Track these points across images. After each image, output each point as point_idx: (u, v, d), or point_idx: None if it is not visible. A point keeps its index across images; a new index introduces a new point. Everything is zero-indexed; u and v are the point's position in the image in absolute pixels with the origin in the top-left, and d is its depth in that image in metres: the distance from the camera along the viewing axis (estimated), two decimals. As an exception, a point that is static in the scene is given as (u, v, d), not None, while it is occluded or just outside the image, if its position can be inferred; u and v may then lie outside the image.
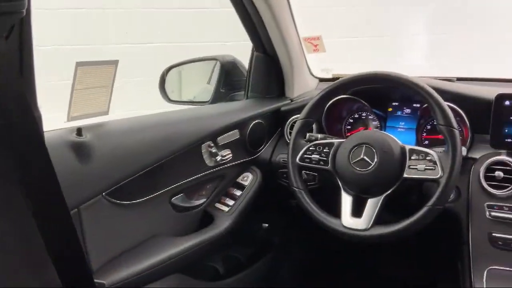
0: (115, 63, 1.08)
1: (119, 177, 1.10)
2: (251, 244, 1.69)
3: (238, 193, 1.45)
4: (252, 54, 1.61)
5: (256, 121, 1.49)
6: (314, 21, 3.33)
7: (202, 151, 1.33)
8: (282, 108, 1.57)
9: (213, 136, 1.35)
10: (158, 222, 1.25)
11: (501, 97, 1.18)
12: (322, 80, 1.79)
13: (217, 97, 1.68)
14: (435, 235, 1.44)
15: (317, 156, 1.23)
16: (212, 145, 1.35)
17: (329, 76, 1.78)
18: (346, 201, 1.16)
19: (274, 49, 1.55)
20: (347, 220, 1.14)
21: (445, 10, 3.70)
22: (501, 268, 1.11)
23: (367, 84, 1.22)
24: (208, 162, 1.35)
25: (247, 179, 1.48)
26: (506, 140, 1.19)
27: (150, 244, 1.19)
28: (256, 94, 1.64)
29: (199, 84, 1.88)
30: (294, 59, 1.58)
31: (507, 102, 1.18)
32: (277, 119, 1.57)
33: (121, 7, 3.29)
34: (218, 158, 1.36)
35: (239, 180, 1.48)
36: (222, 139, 1.38)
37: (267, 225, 1.68)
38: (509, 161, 1.16)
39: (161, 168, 1.20)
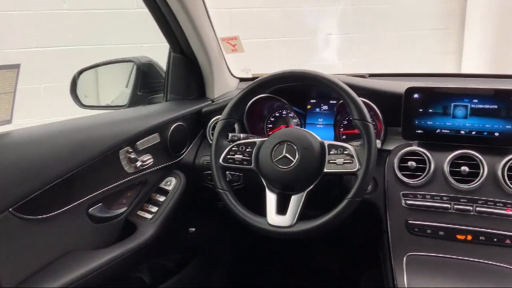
0: (16, 67, 1.00)
1: (27, 190, 1.02)
2: (178, 249, 1.65)
3: (161, 199, 1.40)
4: (169, 55, 1.57)
5: (177, 123, 1.45)
6: (234, 22, 3.36)
7: (120, 157, 1.26)
8: (203, 109, 1.55)
9: (131, 141, 1.29)
10: (75, 236, 1.17)
11: (410, 91, 1.25)
12: (242, 80, 1.79)
13: (135, 101, 1.61)
14: (357, 226, 1.49)
15: (240, 156, 1.22)
16: (131, 150, 1.29)
17: (249, 75, 1.79)
18: (271, 199, 1.17)
19: (192, 50, 1.52)
20: (272, 218, 1.14)
21: (358, 9, 3.87)
22: (419, 253, 1.17)
23: (285, 82, 1.24)
24: (128, 168, 1.28)
25: (171, 183, 1.44)
26: (417, 131, 1.26)
27: (67, 260, 1.11)
28: (175, 96, 1.60)
29: (117, 87, 1.80)
30: (213, 60, 1.56)
31: (416, 95, 1.24)
32: (198, 121, 1.54)
33: (28, 8, 3.07)
34: (138, 163, 1.30)
35: (162, 185, 1.44)
36: (141, 144, 1.33)
37: (194, 229, 1.64)
38: (421, 151, 1.23)
39: (75, 177, 1.12)
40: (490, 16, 3.84)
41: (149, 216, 1.35)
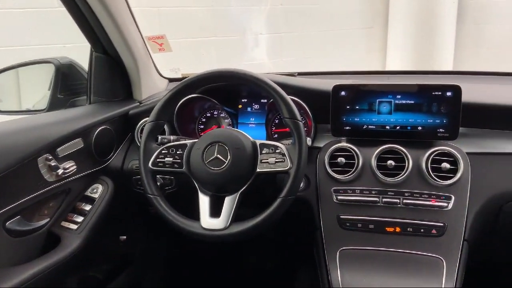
0: None
1: None
2: (109, 260, 1.57)
3: (87, 207, 1.32)
4: (91, 54, 1.48)
5: (102, 127, 1.38)
6: (163, 21, 3.28)
7: (39, 165, 1.17)
8: (131, 112, 1.48)
9: (51, 148, 1.21)
10: None
11: (337, 88, 1.27)
12: (172, 80, 1.74)
13: (55, 104, 1.51)
14: (292, 223, 1.50)
15: (171, 159, 1.18)
16: (51, 157, 1.20)
17: (179, 76, 1.74)
18: (204, 202, 1.14)
19: (115, 49, 1.44)
20: (206, 221, 1.11)
21: (288, 9, 3.93)
22: (351, 247, 1.19)
23: (214, 82, 1.21)
24: (48, 177, 1.19)
25: (97, 191, 1.37)
26: (345, 128, 1.28)
27: None
28: (100, 98, 1.51)
29: (40, 90, 1.67)
30: (139, 60, 1.49)
31: (343, 93, 1.27)
32: (126, 124, 1.47)
33: None
34: (60, 171, 1.21)
35: (88, 193, 1.36)
36: (62, 150, 1.24)
37: (125, 237, 1.57)
38: (349, 147, 1.26)
39: None
40: (411, 16, 4.05)
41: (74, 226, 1.27)
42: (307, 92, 1.35)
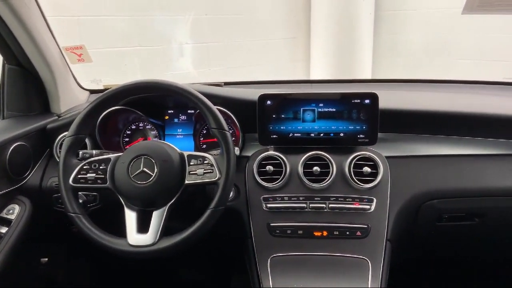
0: None
1: None
2: (29, 284, 1.46)
3: (3, 230, 1.23)
4: (3, 67, 1.38)
5: (17, 143, 1.29)
6: (83, 31, 3.14)
7: None
8: (48, 126, 1.40)
9: None
10: None
11: (263, 98, 1.29)
12: (93, 92, 1.68)
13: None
14: (223, 234, 1.49)
15: (93, 175, 1.13)
16: (-42, 178, 1.10)
17: (100, 87, 1.68)
18: (131, 217, 1.10)
19: (30, 61, 1.36)
20: (133, 237, 1.07)
21: (213, 19, 3.94)
22: (282, 254, 1.21)
23: (138, 93, 1.18)
24: (-45, 200, 1.10)
25: (14, 211, 1.28)
26: (272, 136, 1.30)
27: None
28: (14, 112, 1.41)
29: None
30: (56, 71, 1.42)
31: (268, 102, 1.29)
32: (43, 139, 1.39)
33: None
34: (-31, 193, 1.12)
35: (3, 214, 1.26)
36: (-28, 170, 1.15)
37: (46, 259, 1.48)
38: (277, 155, 1.28)
39: None
40: (331, 27, 4.22)
41: None
42: (233, 102, 1.36)
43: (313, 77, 4.49)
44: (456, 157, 1.32)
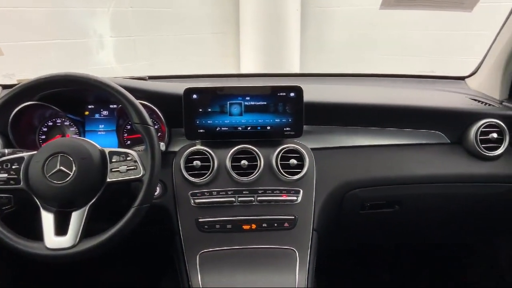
0: None
1: None
2: None
3: None
4: None
5: None
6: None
7: None
8: (-47, 124, 1.28)
9: None
10: None
11: (189, 91, 1.26)
12: (5, 87, 1.55)
13: None
14: (151, 232, 1.45)
15: (5, 175, 1.05)
16: None
17: (14, 82, 1.56)
18: (48, 219, 1.03)
19: None
20: (51, 240, 1.01)
21: (139, 11, 3.82)
22: (211, 249, 1.20)
23: (54, 87, 1.11)
24: None
25: None
26: (199, 131, 1.28)
27: None
28: None
29: None
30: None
31: (194, 96, 1.26)
32: None
33: None
34: None
35: None
36: None
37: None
38: (204, 150, 1.26)
39: None
40: (260, 23, 4.25)
41: None
42: (158, 96, 1.32)
43: (244, 72, 4.51)
44: (377, 147, 1.38)
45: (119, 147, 1.35)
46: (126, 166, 1.07)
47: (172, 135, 1.34)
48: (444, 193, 1.39)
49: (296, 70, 4.46)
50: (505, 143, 1.38)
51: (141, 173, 1.06)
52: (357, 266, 1.95)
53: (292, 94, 1.28)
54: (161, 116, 1.30)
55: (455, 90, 1.64)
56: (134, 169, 1.07)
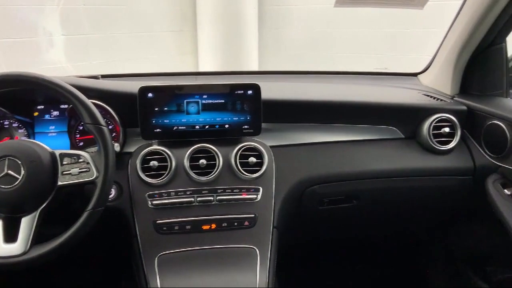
0: None
1: None
2: None
3: None
4: None
5: None
6: None
7: None
8: None
9: None
10: None
11: (143, 90, 1.23)
12: None
13: None
14: (107, 236, 1.41)
15: None
16: None
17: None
18: None
19: None
20: (0, 248, 0.96)
21: (92, 9, 3.71)
22: (170, 251, 1.17)
23: (2, 87, 1.05)
24: None
25: None
26: (155, 130, 1.25)
27: None
28: None
29: None
30: None
31: (150, 94, 1.23)
32: None
33: None
34: None
35: None
36: None
37: None
38: (161, 150, 1.23)
39: None
40: (217, 21, 4.23)
41: None
42: (112, 95, 1.28)
43: (202, 70, 4.47)
44: (335, 143, 1.40)
45: (71, 149, 1.30)
46: (78, 169, 1.03)
47: (128, 135, 1.30)
48: (399, 187, 1.42)
49: (255, 68, 4.47)
50: (457, 137, 1.42)
51: (94, 175, 1.03)
52: (318, 261, 1.97)
53: (249, 92, 1.27)
54: (115, 116, 1.26)
55: (408, 86, 1.69)
56: (86, 171, 1.03)
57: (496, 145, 1.37)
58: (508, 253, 1.34)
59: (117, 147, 1.19)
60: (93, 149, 1.11)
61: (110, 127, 1.27)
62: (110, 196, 1.19)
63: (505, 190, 1.34)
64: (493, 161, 1.39)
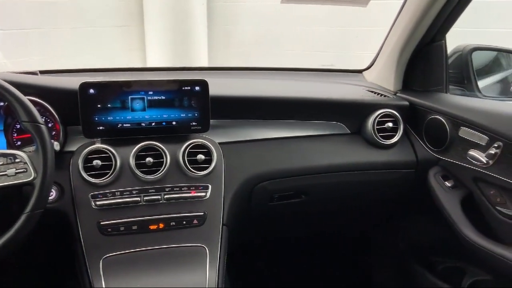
0: None
1: None
2: None
3: None
4: None
5: None
6: None
7: None
8: None
9: None
10: None
11: (85, 86, 1.18)
12: None
13: None
14: (48, 239, 1.35)
15: None
16: None
17: None
18: None
19: None
20: None
21: (33, 2, 3.53)
22: (115, 253, 1.13)
23: None
24: None
25: None
26: (98, 128, 1.20)
27: None
28: None
29: None
30: None
31: (91, 91, 1.18)
32: None
33: None
34: None
35: None
36: None
37: None
38: (105, 148, 1.19)
39: None
40: (165, 16, 4.15)
41: None
42: (51, 92, 1.22)
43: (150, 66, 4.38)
44: (283, 139, 1.41)
45: (8, 148, 1.23)
46: (14, 169, 0.98)
47: (69, 134, 1.25)
48: (346, 181, 1.45)
49: (205, 64, 4.44)
50: (400, 132, 1.47)
51: (32, 176, 0.97)
52: (269, 259, 1.98)
53: (197, 88, 1.25)
54: (55, 114, 1.20)
55: (353, 83, 1.73)
56: (24, 172, 0.98)
57: (437, 139, 1.43)
58: (450, 243, 1.40)
59: (56, 146, 1.14)
60: (31, 148, 1.05)
61: (49, 125, 1.21)
62: (51, 197, 1.14)
63: (446, 182, 1.40)
64: (434, 154, 1.45)
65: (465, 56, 1.63)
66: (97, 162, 1.17)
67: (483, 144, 1.27)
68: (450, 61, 1.62)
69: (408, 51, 1.54)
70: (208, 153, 1.25)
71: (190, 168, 1.23)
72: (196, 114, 1.26)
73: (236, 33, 4.67)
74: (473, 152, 1.29)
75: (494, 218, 1.28)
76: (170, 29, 4.15)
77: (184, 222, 1.20)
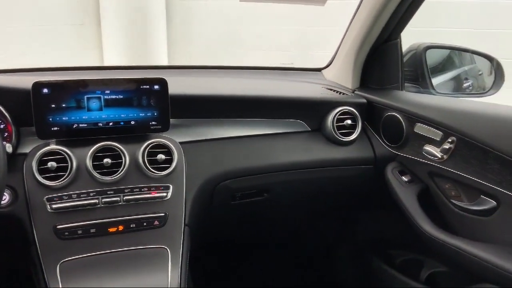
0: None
1: None
2: None
3: None
4: None
5: None
6: None
7: None
8: None
9: None
10: None
11: (38, 86, 1.14)
12: None
13: None
14: (3, 245, 1.29)
15: None
16: None
17: None
18: None
19: None
20: None
21: None
22: (73, 258, 1.10)
23: None
24: None
25: None
26: (52, 129, 1.16)
27: None
28: None
29: None
30: None
31: (45, 90, 1.14)
32: None
33: None
34: None
35: None
36: None
37: None
38: (60, 150, 1.15)
39: None
40: (122, 15, 4.07)
41: None
42: (2, 92, 1.17)
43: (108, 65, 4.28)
44: (244, 138, 1.41)
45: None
46: None
47: (22, 135, 1.20)
48: (307, 178, 1.47)
49: (164, 62, 4.38)
50: (358, 129, 1.50)
51: None
52: (233, 259, 1.97)
53: (156, 87, 1.23)
54: (7, 114, 1.16)
55: (313, 81, 1.75)
56: None
57: (393, 135, 1.47)
58: (408, 236, 1.44)
59: (9, 147, 1.09)
60: (-21, 151, 1.00)
61: (1, 126, 1.16)
62: (3, 201, 1.09)
63: (403, 177, 1.44)
64: (391, 150, 1.49)
65: (419, 54, 1.68)
66: (52, 164, 1.13)
67: (438, 139, 1.32)
68: (405, 59, 1.66)
69: (364, 49, 1.57)
70: (169, 153, 1.23)
71: (150, 168, 1.20)
72: (155, 113, 1.24)
73: (197, 32, 4.64)
74: (428, 148, 1.34)
75: (449, 211, 1.32)
76: (127, 27, 4.07)
77: (145, 224, 1.18)
